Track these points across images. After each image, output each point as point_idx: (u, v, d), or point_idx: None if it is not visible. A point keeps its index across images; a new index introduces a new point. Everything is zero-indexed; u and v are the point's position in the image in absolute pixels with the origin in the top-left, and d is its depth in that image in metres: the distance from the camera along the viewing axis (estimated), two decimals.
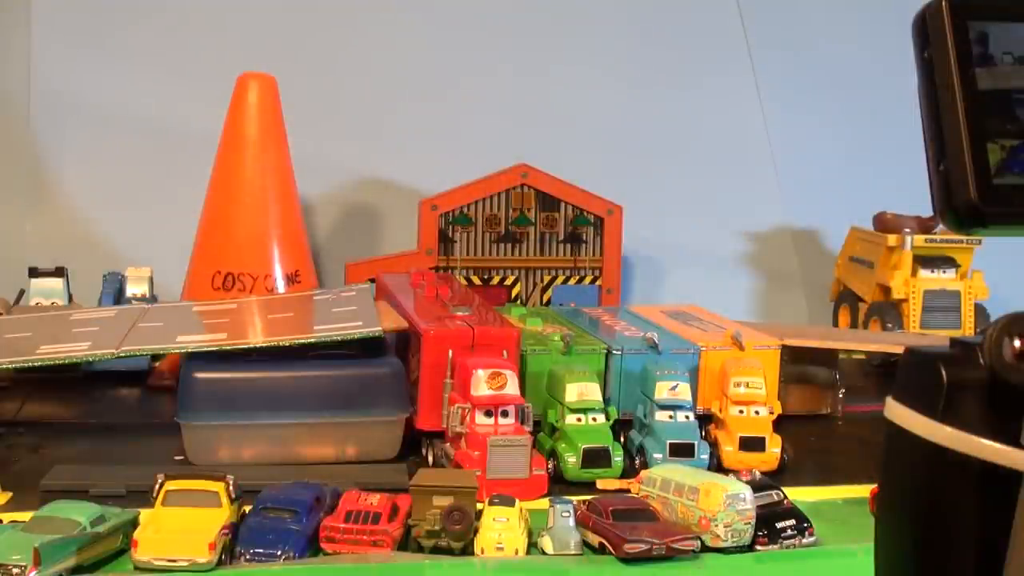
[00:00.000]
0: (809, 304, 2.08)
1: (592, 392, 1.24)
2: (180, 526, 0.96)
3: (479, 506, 1.03)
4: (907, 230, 1.75)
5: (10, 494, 1.11)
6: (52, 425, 1.36)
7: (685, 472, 1.09)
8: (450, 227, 1.73)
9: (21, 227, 1.86)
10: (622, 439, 1.26)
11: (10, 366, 1.29)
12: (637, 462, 1.23)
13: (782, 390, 1.40)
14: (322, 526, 0.99)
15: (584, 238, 1.77)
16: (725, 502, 1.01)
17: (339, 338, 1.24)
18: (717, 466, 1.24)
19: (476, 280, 1.75)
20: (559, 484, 1.19)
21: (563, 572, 0.98)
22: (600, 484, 1.19)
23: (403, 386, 1.25)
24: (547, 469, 1.19)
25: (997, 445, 0.49)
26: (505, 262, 1.76)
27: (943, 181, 0.50)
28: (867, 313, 1.80)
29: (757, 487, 1.06)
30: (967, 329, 1.73)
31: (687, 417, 1.26)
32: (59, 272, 1.62)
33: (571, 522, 1.03)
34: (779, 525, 1.04)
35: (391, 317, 1.32)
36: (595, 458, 1.20)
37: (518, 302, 1.74)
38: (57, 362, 1.26)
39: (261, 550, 0.96)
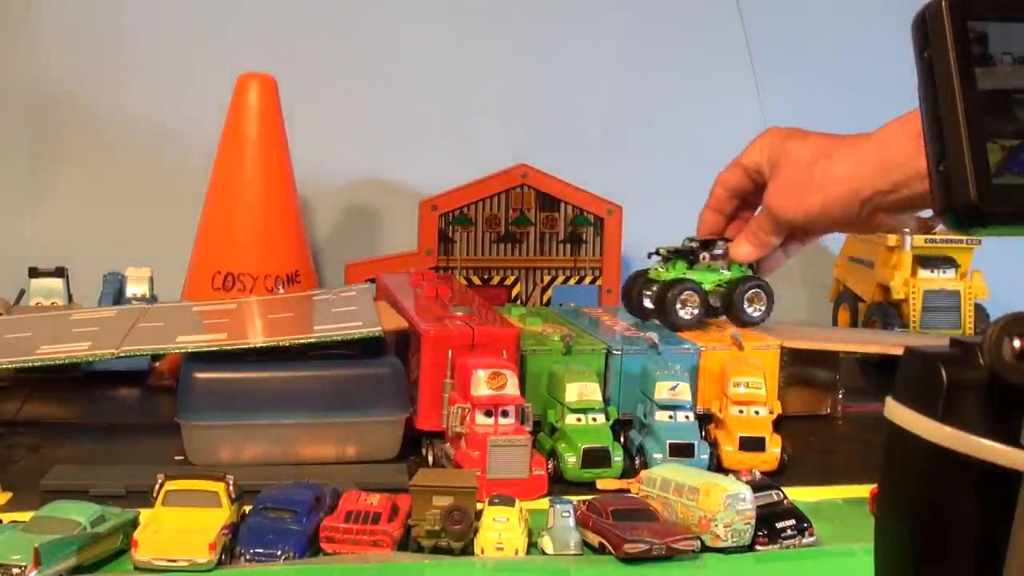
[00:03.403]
0: (809, 304, 2.08)
1: (592, 392, 1.24)
2: (180, 526, 0.96)
3: (479, 506, 1.03)
4: (907, 230, 1.75)
5: (10, 494, 1.11)
6: (52, 425, 1.36)
7: (685, 472, 1.09)
8: (450, 227, 1.73)
9: (21, 227, 1.86)
10: (622, 439, 1.26)
11: (10, 366, 1.29)
12: (637, 462, 1.23)
13: (782, 390, 1.40)
14: (322, 526, 0.99)
15: (584, 238, 1.77)
16: (725, 502, 1.01)
17: (339, 338, 1.24)
18: (717, 466, 1.24)
19: (476, 280, 1.75)
20: (559, 484, 1.19)
21: (563, 572, 0.98)
22: (600, 484, 1.19)
23: (403, 386, 1.25)
24: (547, 469, 1.19)
25: (997, 445, 0.49)
26: (505, 262, 1.76)
27: (943, 181, 0.50)
28: (867, 313, 1.80)
29: (757, 487, 1.05)
30: (967, 329, 1.73)
31: (687, 417, 1.26)
32: (59, 272, 1.62)
33: (571, 522, 1.03)
34: (779, 525, 1.04)
35: (391, 317, 1.32)
36: (595, 458, 1.20)
37: (518, 302, 1.74)
38: (57, 362, 1.26)
39: (261, 550, 0.96)
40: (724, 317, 1.44)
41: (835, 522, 1.12)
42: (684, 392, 1.26)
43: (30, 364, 1.26)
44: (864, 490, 1.17)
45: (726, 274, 1.43)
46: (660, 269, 1.44)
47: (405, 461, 1.24)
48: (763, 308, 1.42)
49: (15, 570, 0.88)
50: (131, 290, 1.62)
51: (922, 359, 0.52)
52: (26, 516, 0.99)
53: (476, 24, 2.01)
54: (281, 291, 1.56)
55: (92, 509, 0.97)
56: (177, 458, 1.22)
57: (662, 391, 1.26)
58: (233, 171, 1.59)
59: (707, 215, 1.46)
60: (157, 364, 1.53)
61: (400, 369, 1.26)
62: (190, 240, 1.64)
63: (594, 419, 1.23)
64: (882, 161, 1.22)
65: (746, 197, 1.43)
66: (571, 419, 1.23)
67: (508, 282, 1.76)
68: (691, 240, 1.44)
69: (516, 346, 1.27)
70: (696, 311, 1.41)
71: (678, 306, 1.40)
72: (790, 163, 1.32)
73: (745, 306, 1.41)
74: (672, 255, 1.44)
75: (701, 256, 1.42)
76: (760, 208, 1.37)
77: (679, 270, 1.43)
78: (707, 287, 1.42)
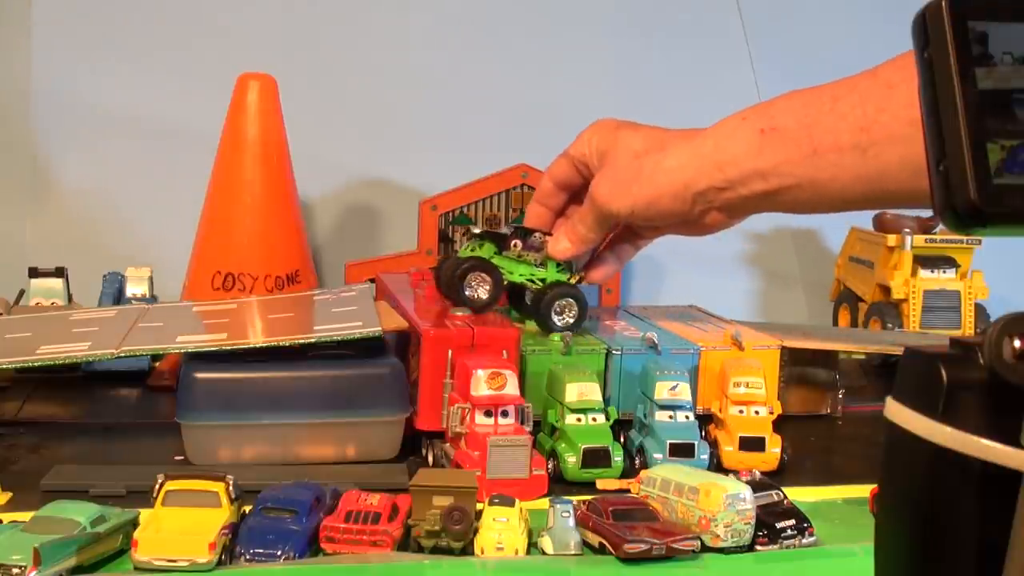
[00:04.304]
0: (809, 304, 2.08)
1: (592, 392, 1.25)
2: (180, 526, 0.96)
3: (479, 506, 1.03)
4: (907, 230, 1.75)
5: (10, 494, 1.11)
6: (52, 425, 1.36)
7: (685, 472, 1.09)
8: (450, 227, 1.73)
9: (21, 227, 1.86)
10: (622, 439, 1.26)
11: (10, 366, 1.29)
12: (637, 462, 1.23)
13: (782, 390, 1.40)
14: (322, 526, 0.99)
15: None
16: (725, 502, 1.01)
17: (339, 338, 1.24)
18: (717, 466, 1.24)
19: None
20: (559, 484, 1.19)
21: (563, 572, 0.98)
22: (600, 484, 1.19)
23: (403, 386, 1.25)
24: (547, 469, 1.19)
25: (997, 445, 0.49)
26: None
27: (943, 181, 0.50)
28: (867, 313, 1.80)
29: (757, 487, 1.06)
30: (967, 329, 1.73)
31: (687, 417, 1.26)
32: (59, 272, 1.62)
33: (571, 522, 1.03)
34: (779, 525, 1.04)
35: (391, 317, 1.32)
36: (595, 458, 1.20)
37: None
38: (57, 362, 1.26)
39: (261, 550, 0.96)
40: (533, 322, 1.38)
41: (835, 522, 1.12)
42: (684, 392, 1.26)
43: (30, 364, 1.26)
44: (864, 490, 1.18)
45: (540, 270, 1.37)
46: (467, 248, 1.38)
47: (405, 461, 1.24)
48: (572, 319, 1.36)
49: (15, 570, 0.88)
50: (131, 290, 1.62)
51: (922, 359, 0.52)
52: (26, 516, 0.99)
53: (476, 24, 2.01)
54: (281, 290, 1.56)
55: (92, 509, 0.97)
56: (177, 458, 1.22)
57: (662, 391, 1.26)
58: (233, 171, 1.59)
59: (533, 208, 1.37)
60: (157, 364, 1.53)
61: (400, 369, 1.26)
62: (190, 240, 1.64)
63: (594, 419, 1.23)
64: (718, 156, 1.15)
65: (575, 192, 1.34)
66: (571, 419, 1.23)
67: None
68: (517, 228, 1.37)
69: (516, 346, 1.27)
70: (486, 294, 1.34)
71: (465, 285, 1.33)
72: (619, 153, 1.24)
73: (552, 314, 1.35)
74: (483, 236, 1.37)
75: (512, 244, 1.36)
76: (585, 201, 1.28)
77: (486, 252, 1.36)
78: (515, 279, 1.37)
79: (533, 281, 1.38)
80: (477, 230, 1.37)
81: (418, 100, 1.97)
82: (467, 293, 1.34)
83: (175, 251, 1.68)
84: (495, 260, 1.36)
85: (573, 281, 1.38)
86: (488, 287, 1.34)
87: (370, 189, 1.97)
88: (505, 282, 1.36)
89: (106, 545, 0.97)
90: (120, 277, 1.64)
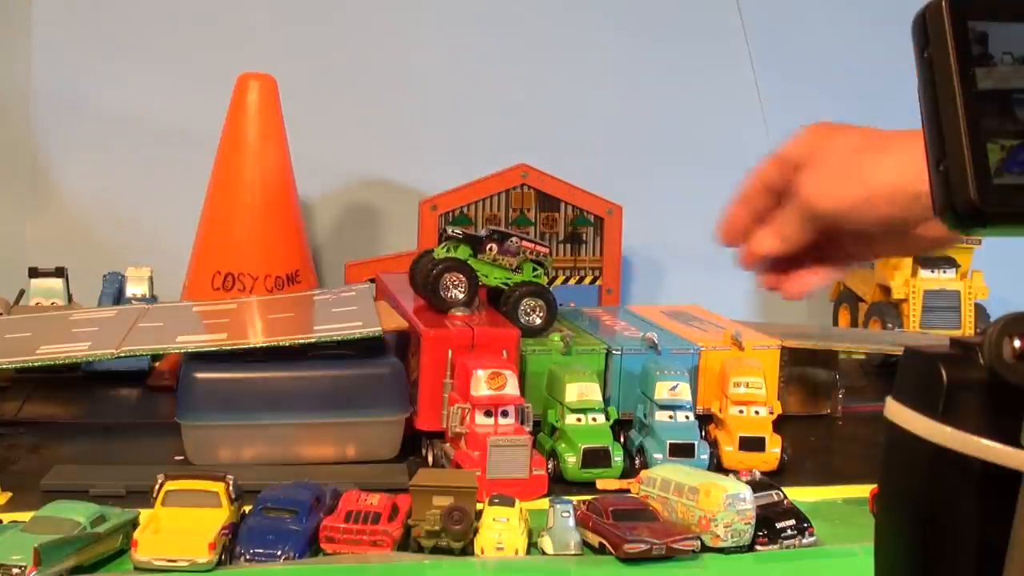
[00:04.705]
0: (809, 304, 2.08)
1: (592, 392, 1.25)
2: (180, 526, 0.96)
3: (479, 506, 1.03)
4: None
5: (10, 494, 1.11)
6: (52, 425, 1.36)
7: (685, 472, 1.09)
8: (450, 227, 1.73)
9: (21, 227, 1.85)
10: (622, 439, 1.26)
11: (10, 366, 1.29)
12: (637, 462, 1.23)
13: (782, 390, 1.40)
14: (322, 526, 0.99)
15: (584, 238, 1.77)
16: (725, 502, 1.01)
17: (339, 338, 1.24)
18: (717, 466, 1.24)
19: None
20: (559, 484, 1.19)
21: (563, 572, 0.98)
22: (600, 484, 1.19)
23: (403, 386, 1.25)
24: (547, 469, 1.19)
25: (997, 445, 0.49)
26: None
27: (943, 181, 0.50)
28: (867, 313, 1.80)
29: (757, 487, 1.06)
30: (967, 329, 1.73)
31: (687, 417, 1.26)
32: (59, 272, 1.62)
33: (571, 522, 1.03)
34: (779, 525, 1.04)
35: (391, 317, 1.32)
36: (595, 458, 1.20)
37: None
38: (57, 362, 1.26)
39: (261, 550, 0.96)
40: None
41: (835, 522, 1.12)
42: (684, 392, 1.26)
43: (30, 364, 1.27)
44: (864, 490, 1.17)
45: (515, 275, 1.37)
46: (443, 249, 1.38)
47: (405, 461, 1.24)
48: (540, 319, 1.36)
49: (15, 570, 0.88)
50: (131, 290, 1.62)
51: (922, 359, 0.52)
52: (26, 516, 0.99)
53: (476, 24, 2.01)
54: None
55: (92, 509, 0.98)
56: (177, 458, 1.22)
57: (662, 391, 1.26)
58: (233, 171, 1.59)
59: (734, 210, 1.32)
60: (157, 364, 1.53)
61: (400, 369, 1.26)
62: (190, 240, 1.64)
63: (594, 419, 1.23)
64: None
65: (781, 196, 1.31)
66: (571, 419, 1.23)
67: None
68: (494, 231, 1.38)
69: (516, 346, 1.27)
70: (462, 294, 1.34)
71: (441, 286, 1.34)
72: (833, 150, 1.18)
73: (519, 312, 1.35)
74: (460, 238, 1.37)
75: (487, 247, 1.36)
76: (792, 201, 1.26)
77: (461, 254, 1.37)
78: (490, 283, 1.37)
79: (508, 285, 1.38)
80: (458, 231, 1.37)
81: (418, 100, 1.97)
82: (443, 294, 1.34)
83: (175, 251, 1.68)
84: (470, 263, 1.37)
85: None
86: (464, 287, 1.34)
87: (370, 189, 1.96)
88: (480, 284, 1.36)
89: (106, 545, 0.97)
90: (120, 277, 1.64)
